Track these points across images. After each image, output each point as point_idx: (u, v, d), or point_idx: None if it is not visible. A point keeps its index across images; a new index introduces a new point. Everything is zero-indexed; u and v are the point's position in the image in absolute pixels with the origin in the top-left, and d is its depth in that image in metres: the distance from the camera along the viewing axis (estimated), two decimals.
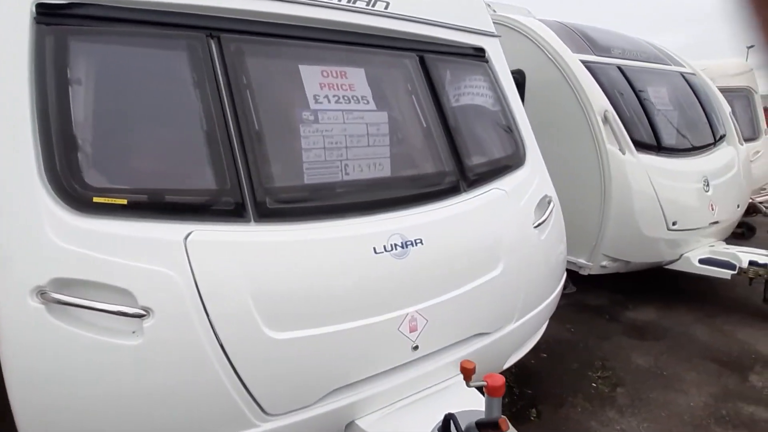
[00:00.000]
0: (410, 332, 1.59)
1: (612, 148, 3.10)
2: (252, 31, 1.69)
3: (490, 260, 1.86)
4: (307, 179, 1.60)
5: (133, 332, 1.18)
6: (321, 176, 1.65)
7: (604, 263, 3.28)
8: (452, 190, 1.92)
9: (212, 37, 1.58)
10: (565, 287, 3.95)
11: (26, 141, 1.17)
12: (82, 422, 1.18)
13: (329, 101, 1.78)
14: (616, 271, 3.45)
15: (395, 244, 1.59)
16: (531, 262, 2.03)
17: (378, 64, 2.03)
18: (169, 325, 1.20)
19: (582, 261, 3.37)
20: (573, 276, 3.46)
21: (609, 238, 3.17)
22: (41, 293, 1.10)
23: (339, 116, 1.79)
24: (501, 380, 1.31)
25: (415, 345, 1.61)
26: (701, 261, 3.38)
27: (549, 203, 2.22)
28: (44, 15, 1.27)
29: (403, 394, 1.63)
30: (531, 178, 2.22)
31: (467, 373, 1.44)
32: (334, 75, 1.84)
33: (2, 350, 1.08)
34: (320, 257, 1.45)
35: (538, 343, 2.32)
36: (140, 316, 1.17)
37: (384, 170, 1.83)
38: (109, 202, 1.24)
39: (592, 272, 3.37)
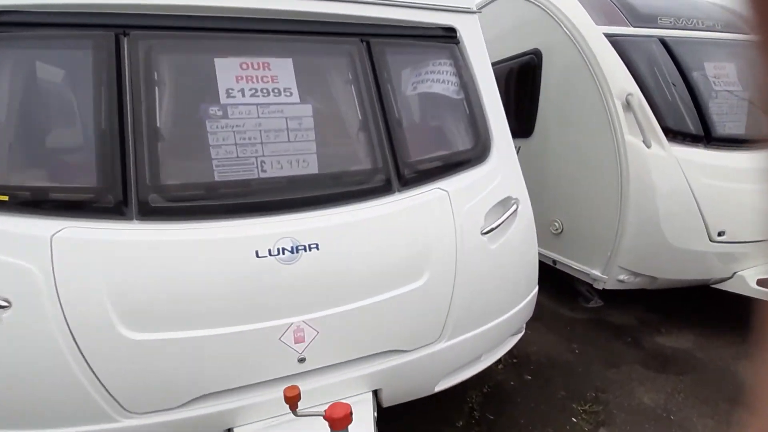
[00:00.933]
0: (295, 343, 1.48)
1: (632, 139, 2.57)
2: (168, 26, 1.67)
3: (411, 270, 1.65)
4: (200, 177, 1.55)
5: None
6: (220, 174, 1.58)
7: (621, 277, 2.77)
8: (381, 190, 1.73)
9: (124, 35, 1.60)
10: (588, 300, 3.48)
11: None
12: None
13: (243, 95, 1.70)
14: (640, 288, 2.90)
15: (283, 248, 1.48)
16: (473, 273, 1.77)
17: (312, 52, 1.89)
18: (25, 318, 1.26)
19: (596, 273, 2.89)
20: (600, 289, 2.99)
21: (626, 248, 2.66)
22: None
23: (253, 110, 1.70)
24: (345, 410, 1.15)
25: (301, 357, 1.50)
26: (761, 282, 2.68)
27: (512, 206, 1.91)
28: None
29: (280, 410, 1.53)
30: (490, 178, 1.92)
31: (291, 401, 1.28)
32: (255, 67, 1.76)
33: None
34: (192, 259, 1.40)
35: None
36: (1, 306, 1.24)
37: (300, 168, 1.71)
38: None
39: (608, 287, 2.87)
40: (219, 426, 1.48)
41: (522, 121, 3.50)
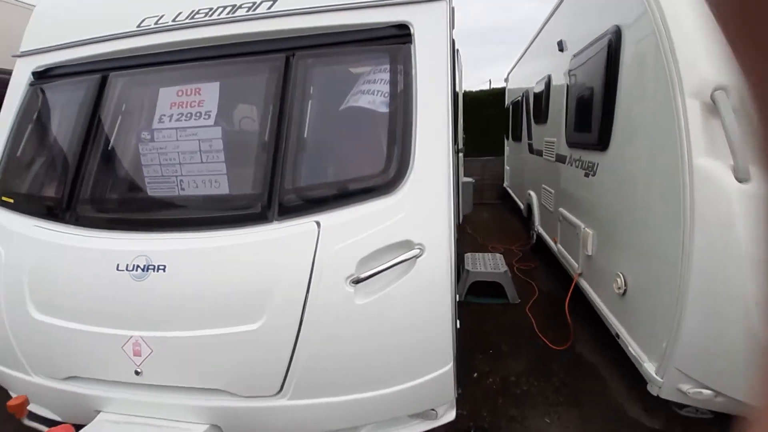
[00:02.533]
0: (134, 355, 1.59)
1: (708, 163, 1.49)
2: (132, 65, 2.02)
3: (249, 310, 1.50)
4: (104, 193, 1.83)
5: None
6: (117, 192, 1.84)
7: (683, 387, 1.66)
8: (255, 218, 1.63)
9: (103, 76, 2.04)
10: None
11: None
12: None
13: (170, 120, 1.90)
14: (723, 412, 1.67)
15: (137, 266, 1.60)
16: (328, 328, 1.47)
17: (235, 74, 1.93)
18: None
19: (649, 370, 1.83)
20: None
21: (687, 339, 1.58)
22: None
23: (172, 134, 1.88)
24: (64, 429, 1.18)
25: (138, 370, 1.59)
26: None
27: (406, 254, 1.47)
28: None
29: (135, 411, 1.65)
30: (387, 214, 1.53)
31: (16, 408, 1.33)
32: (188, 93, 1.93)
33: None
34: (74, 264, 1.69)
35: None
36: None
37: (179, 190, 1.79)
38: (5, 200, 1.95)
39: (665, 396, 1.77)
40: (89, 406, 1.73)
41: (595, 129, 2.53)
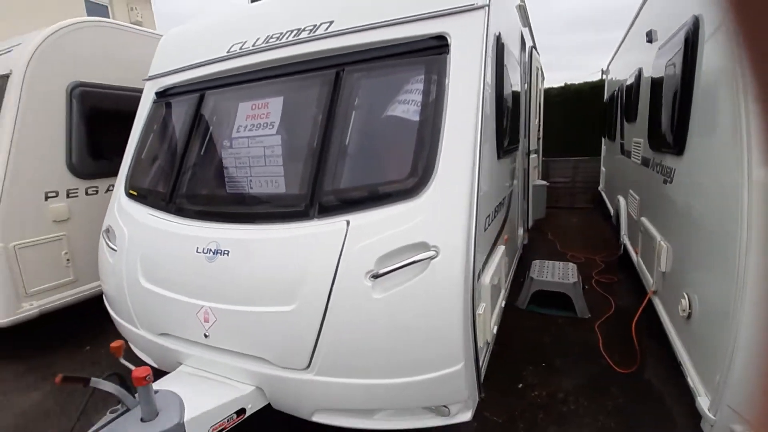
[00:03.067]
0: (204, 322, 1.97)
1: None
2: (220, 84, 2.47)
3: (285, 294, 1.76)
4: (194, 191, 2.27)
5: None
6: (203, 190, 2.26)
7: (737, 429, 1.42)
8: (300, 215, 1.90)
9: (201, 94, 2.52)
10: None
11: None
12: None
13: (245, 130, 2.28)
14: None
15: (209, 249, 1.98)
16: (347, 317, 1.66)
17: (294, 89, 2.22)
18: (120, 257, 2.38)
19: (702, 404, 1.60)
20: None
21: (740, 373, 1.35)
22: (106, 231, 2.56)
23: (245, 142, 2.25)
24: (143, 372, 1.56)
25: (206, 333, 1.97)
26: None
27: (421, 255, 1.57)
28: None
29: (204, 367, 2.03)
30: (406, 217, 1.66)
31: (117, 350, 1.71)
32: (259, 107, 2.30)
33: None
34: (170, 245, 2.14)
35: None
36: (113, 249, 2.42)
37: (254, 189, 2.13)
38: (133, 194, 2.55)
39: None
40: (174, 358, 2.17)
41: (671, 130, 2.25)
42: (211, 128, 2.44)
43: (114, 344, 1.68)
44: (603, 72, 7.72)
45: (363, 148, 1.97)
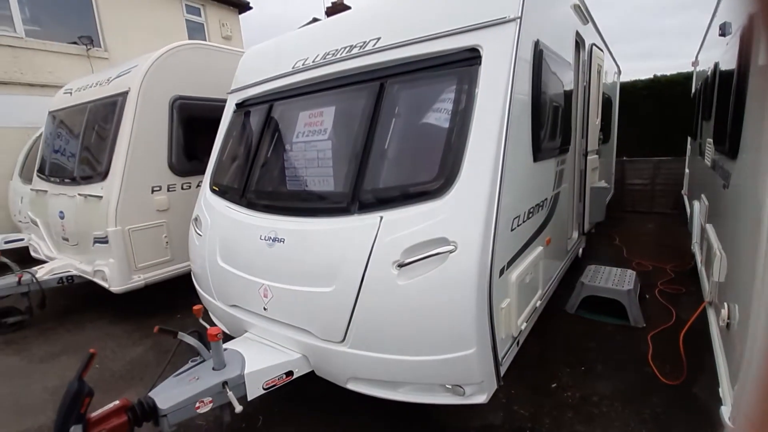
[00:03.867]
0: (264, 297, 2.35)
1: None
2: (286, 96, 2.87)
3: (326, 277, 2.06)
4: (260, 187, 2.68)
5: None
6: (268, 186, 2.65)
7: None
8: (343, 210, 2.19)
9: (270, 105, 2.95)
10: None
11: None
12: None
13: (303, 135, 2.65)
14: None
15: (270, 237, 2.37)
16: (376, 300, 1.91)
17: (344, 99, 2.52)
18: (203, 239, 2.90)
19: (724, 412, 1.54)
20: None
21: (755, 387, 1.31)
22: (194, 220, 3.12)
23: (303, 146, 2.62)
24: (216, 330, 1.96)
25: (265, 306, 2.35)
26: None
27: (440, 249, 1.77)
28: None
29: (263, 335, 2.42)
30: (430, 215, 1.86)
31: (197, 312, 2.11)
32: (315, 115, 2.65)
33: None
34: (240, 232, 2.58)
35: None
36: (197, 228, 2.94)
37: (307, 187, 2.47)
38: (215, 189, 3.06)
39: None
40: (241, 327, 2.60)
41: (728, 132, 2.13)
42: (276, 134, 2.85)
43: (196, 307, 2.13)
44: (693, 63, 6.96)
45: (399, 153, 2.19)
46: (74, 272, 3.99)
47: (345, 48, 2.53)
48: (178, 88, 3.87)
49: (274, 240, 2.33)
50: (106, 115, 3.80)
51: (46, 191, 4.45)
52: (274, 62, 3.01)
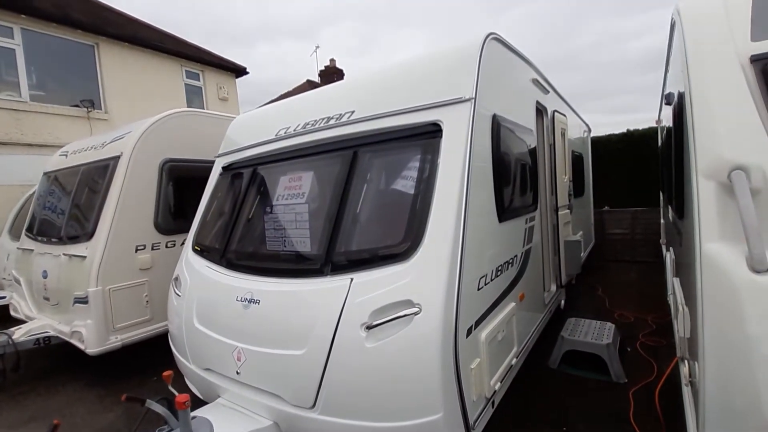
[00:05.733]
0: (237, 360, 2.35)
1: (718, 249, 1.34)
2: (268, 160, 3.05)
3: (299, 339, 2.10)
4: (239, 248, 2.77)
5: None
6: (248, 247, 2.74)
7: None
8: (317, 272, 2.27)
9: (254, 169, 3.12)
10: None
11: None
12: None
13: (283, 198, 2.78)
14: None
15: (246, 298, 2.41)
16: (345, 363, 1.93)
17: (321, 165, 2.69)
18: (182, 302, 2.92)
19: None
20: None
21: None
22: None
23: (282, 208, 2.75)
24: (184, 398, 1.95)
25: (237, 370, 2.34)
26: None
27: (404, 311, 1.84)
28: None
29: (235, 401, 2.38)
30: (397, 276, 1.95)
31: (167, 378, 2.09)
32: (294, 179, 2.81)
33: None
34: (218, 293, 2.62)
35: None
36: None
37: (285, 248, 2.57)
38: (197, 248, 3.14)
39: None
40: (215, 391, 2.55)
41: (674, 192, 2.30)
42: (258, 196, 2.99)
43: (165, 373, 2.12)
44: (656, 121, 7.49)
45: (370, 216, 2.33)
46: (51, 333, 3.92)
47: (323, 119, 2.75)
48: (169, 151, 4.08)
49: (250, 301, 2.38)
50: (97, 177, 3.95)
51: (32, 250, 4.48)
52: (259, 129, 3.24)
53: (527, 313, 3.11)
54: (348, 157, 2.50)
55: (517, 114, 2.95)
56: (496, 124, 2.49)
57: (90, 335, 3.50)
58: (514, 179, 2.80)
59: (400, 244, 2.03)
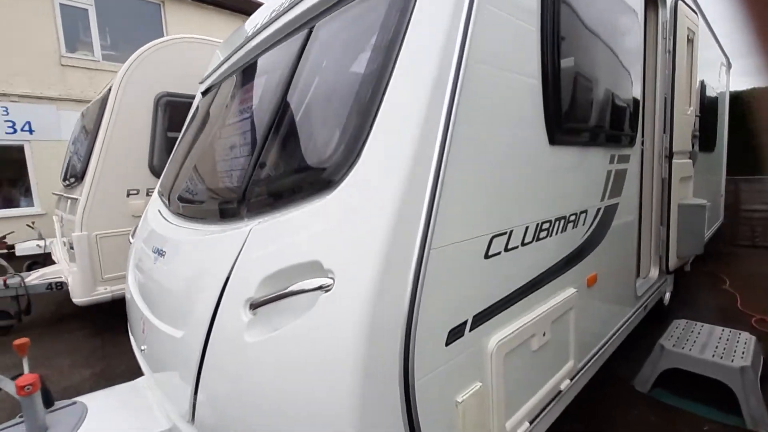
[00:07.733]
0: (142, 331, 1.69)
1: None
2: (233, 71, 2.28)
3: (182, 314, 1.33)
4: (176, 186, 2.08)
5: None
6: (183, 184, 2.03)
7: None
8: (231, 214, 1.46)
9: (219, 86, 2.39)
10: None
11: None
12: None
13: (234, 116, 2.00)
14: None
15: (157, 249, 1.72)
16: (220, 360, 1.11)
17: (270, 62, 1.84)
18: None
19: None
20: None
21: None
22: None
23: (230, 130, 1.97)
24: (28, 379, 1.32)
25: (142, 346, 1.68)
26: None
27: (308, 282, 0.94)
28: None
29: (150, 386, 1.72)
30: (307, 222, 1.05)
31: (20, 348, 1.45)
32: (248, 90, 2.02)
33: None
34: (145, 242, 1.98)
35: None
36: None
37: (213, 182, 1.79)
38: (160, 190, 2.56)
39: None
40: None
41: None
42: (206, 124, 2.26)
43: (17, 342, 1.51)
44: None
45: (308, 128, 1.41)
46: (64, 279, 3.79)
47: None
48: (165, 84, 3.55)
49: (159, 253, 1.67)
50: (95, 115, 3.62)
51: (60, 195, 4.45)
52: (236, 38, 2.47)
53: (601, 308, 1.96)
54: (300, 39, 1.59)
55: None
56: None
57: (75, 283, 3.22)
58: (589, 76, 1.63)
59: (324, 164, 1.10)
